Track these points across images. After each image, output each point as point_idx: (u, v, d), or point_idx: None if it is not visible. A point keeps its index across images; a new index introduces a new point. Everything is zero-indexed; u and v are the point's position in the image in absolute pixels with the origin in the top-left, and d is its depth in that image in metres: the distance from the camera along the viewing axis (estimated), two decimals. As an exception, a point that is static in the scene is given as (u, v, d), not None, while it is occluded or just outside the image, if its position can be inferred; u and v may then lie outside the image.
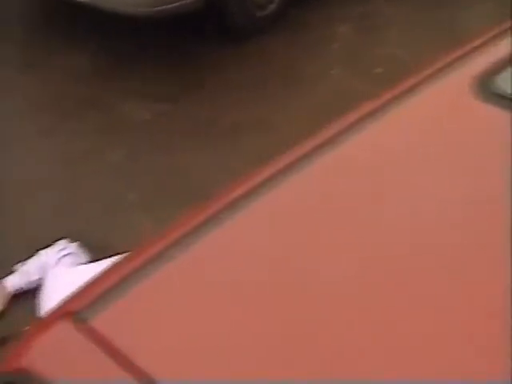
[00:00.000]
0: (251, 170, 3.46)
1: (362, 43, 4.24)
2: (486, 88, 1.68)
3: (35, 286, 3.01)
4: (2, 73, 4.05)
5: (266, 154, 3.46)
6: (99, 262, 2.87)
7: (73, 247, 3.02)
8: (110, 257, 2.73)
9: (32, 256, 3.10)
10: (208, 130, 3.78)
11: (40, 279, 2.99)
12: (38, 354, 1.42)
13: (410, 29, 4.34)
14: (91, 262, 2.98)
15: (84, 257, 3.02)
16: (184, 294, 1.46)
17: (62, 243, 3.05)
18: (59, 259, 2.97)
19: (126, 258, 1.63)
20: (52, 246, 3.06)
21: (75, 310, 1.46)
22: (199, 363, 1.33)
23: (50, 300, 2.75)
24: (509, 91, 1.70)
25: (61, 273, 2.89)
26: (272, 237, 1.51)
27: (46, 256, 3.01)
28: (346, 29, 4.36)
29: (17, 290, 2.98)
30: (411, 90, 1.75)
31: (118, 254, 2.69)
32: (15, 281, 2.99)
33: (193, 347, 1.36)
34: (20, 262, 3.08)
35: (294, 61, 4.15)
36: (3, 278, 3.02)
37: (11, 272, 3.04)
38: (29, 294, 3.02)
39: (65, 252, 2.99)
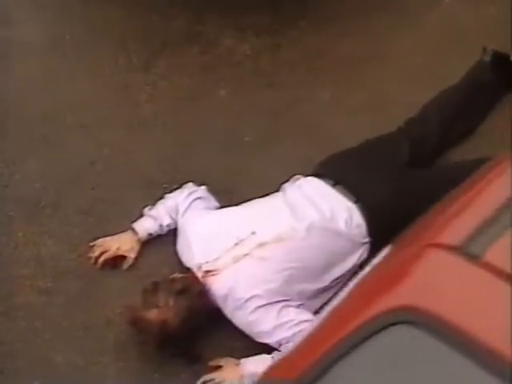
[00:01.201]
0: (372, 109, 3.58)
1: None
2: None
3: (167, 230, 3.08)
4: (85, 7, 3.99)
5: (387, 89, 3.63)
6: (233, 207, 2.96)
7: (202, 191, 3.10)
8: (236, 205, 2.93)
9: (155, 200, 3.17)
10: (317, 63, 3.80)
11: (171, 223, 3.07)
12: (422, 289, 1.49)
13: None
14: (223, 207, 3.04)
15: (214, 201, 3.09)
16: None
17: (189, 187, 3.13)
18: (190, 203, 3.05)
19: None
20: (180, 191, 3.15)
21: (451, 243, 1.54)
22: None
23: (191, 244, 2.84)
24: None
25: (196, 217, 3.00)
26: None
27: (175, 200, 3.10)
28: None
29: (149, 235, 3.06)
30: None
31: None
32: (146, 226, 3.09)
33: None
34: (146, 206, 3.13)
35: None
36: (132, 222, 3.08)
37: (137, 218, 3.10)
38: (162, 239, 3.12)
39: (194, 196, 3.08)
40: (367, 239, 2.86)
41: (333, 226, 2.83)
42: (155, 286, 2.74)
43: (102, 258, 3.05)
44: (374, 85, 3.65)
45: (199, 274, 2.78)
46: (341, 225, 2.84)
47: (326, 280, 2.80)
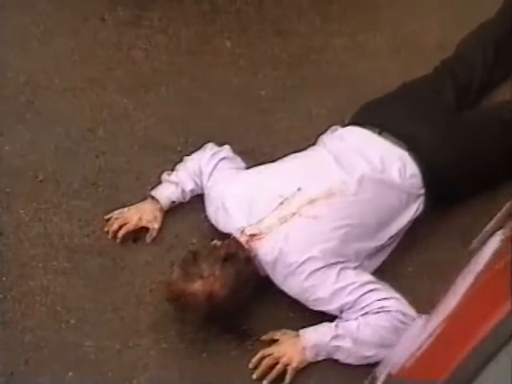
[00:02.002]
0: (395, 51, 3.50)
1: None
2: None
3: (190, 196, 2.95)
4: None
5: (407, 30, 3.53)
6: (269, 164, 2.85)
7: (226, 151, 2.97)
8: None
9: (171, 165, 3.03)
10: (326, 6, 3.70)
11: (195, 189, 2.95)
12: None
13: None
14: (250, 167, 2.92)
15: (240, 161, 2.96)
16: None
17: (210, 147, 3.00)
18: (216, 165, 2.93)
19: None
20: (201, 152, 3.05)
21: None
22: None
23: (229, 207, 2.76)
24: None
25: (228, 178, 2.91)
26: None
27: (198, 162, 2.97)
28: None
29: (172, 202, 2.93)
30: None
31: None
32: (168, 193, 2.98)
33: None
34: (163, 172, 2.98)
35: None
36: (151, 190, 2.93)
37: (154, 186, 3.02)
38: (184, 207, 3.01)
39: (219, 156, 2.96)
40: (422, 190, 2.76)
41: (386, 177, 2.73)
42: (196, 256, 2.59)
43: (122, 232, 2.90)
44: (392, 26, 3.58)
45: (242, 239, 2.65)
46: (394, 175, 2.74)
47: (383, 237, 2.70)
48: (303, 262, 2.57)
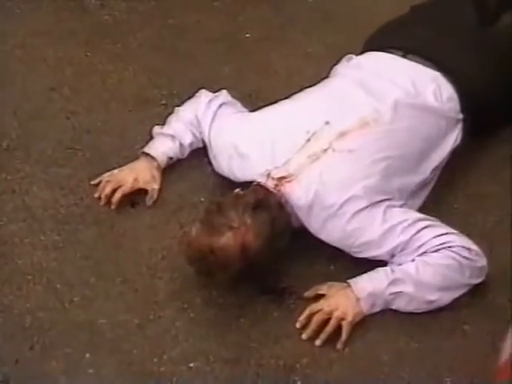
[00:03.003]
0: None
1: None
2: None
3: (189, 151, 2.87)
4: None
5: None
6: (284, 101, 2.78)
7: (224, 96, 2.91)
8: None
9: (156, 121, 2.96)
10: None
11: (194, 141, 2.87)
12: None
13: None
14: (253, 110, 2.85)
15: (241, 106, 2.90)
16: None
17: (205, 94, 2.92)
18: (216, 111, 2.86)
19: None
20: (195, 100, 2.98)
21: None
22: None
23: (246, 152, 2.67)
24: None
25: (236, 122, 2.84)
26: None
27: (194, 111, 2.91)
28: None
29: (169, 159, 2.83)
30: None
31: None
32: (164, 148, 2.90)
33: None
34: (155, 125, 2.88)
35: None
36: (140, 150, 2.85)
37: (141, 146, 2.90)
38: (182, 164, 2.92)
39: (217, 102, 2.89)
40: (461, 116, 2.73)
41: (421, 101, 2.69)
42: (220, 205, 2.47)
43: (117, 195, 2.76)
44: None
45: (270, 184, 2.54)
46: (430, 99, 2.70)
47: (426, 170, 2.65)
48: (344, 203, 2.48)
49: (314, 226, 2.54)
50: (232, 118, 2.84)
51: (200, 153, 2.91)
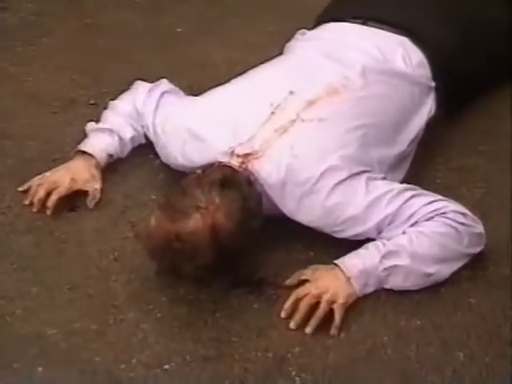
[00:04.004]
0: None
1: None
2: None
3: (130, 148, 2.88)
4: None
5: None
6: (237, 79, 2.83)
7: (164, 85, 2.95)
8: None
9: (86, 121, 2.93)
10: None
11: (136, 136, 2.88)
12: None
13: None
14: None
15: (183, 93, 2.92)
16: None
17: (142, 85, 2.94)
18: (158, 100, 2.87)
19: None
20: (132, 91, 3.01)
21: None
22: None
23: (202, 134, 2.65)
24: None
25: (185, 106, 2.83)
26: None
27: (132, 103, 2.93)
28: None
29: (109, 156, 2.84)
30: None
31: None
32: (102, 144, 2.89)
33: None
34: (90, 121, 2.91)
35: None
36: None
37: (81, 139, 2.86)
38: (123, 163, 2.91)
39: (158, 91, 2.91)
40: (433, 83, 2.79)
41: (390, 67, 2.76)
42: (182, 187, 2.44)
43: (53, 198, 2.70)
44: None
45: (235, 163, 2.52)
46: (399, 64, 2.77)
47: (404, 141, 2.69)
48: (321, 175, 2.48)
49: (289, 205, 2.53)
50: (179, 103, 2.83)
51: (143, 150, 2.90)
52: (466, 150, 2.89)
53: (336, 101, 2.61)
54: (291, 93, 2.61)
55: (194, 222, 2.36)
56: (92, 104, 3.09)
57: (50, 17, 3.49)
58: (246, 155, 2.53)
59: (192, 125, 2.67)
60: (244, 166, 2.52)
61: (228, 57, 3.23)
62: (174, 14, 3.51)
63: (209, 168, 2.53)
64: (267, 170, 2.52)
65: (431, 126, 2.81)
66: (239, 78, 2.81)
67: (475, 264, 2.50)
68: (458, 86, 2.85)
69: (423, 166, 2.79)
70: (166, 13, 3.53)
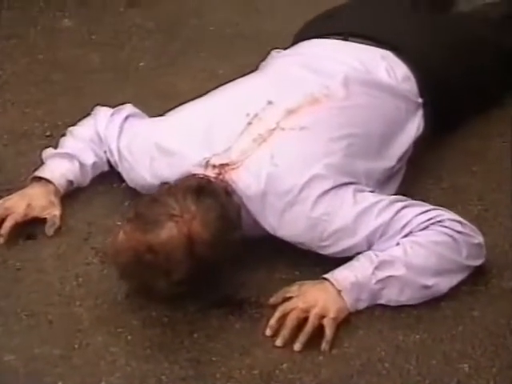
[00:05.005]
0: None
1: None
2: None
3: (91, 177, 2.96)
4: None
5: None
6: (210, 94, 2.92)
7: (129, 108, 3.05)
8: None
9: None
10: None
11: (98, 163, 2.92)
12: None
13: None
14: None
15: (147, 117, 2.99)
16: None
17: (103, 109, 3.03)
18: (121, 125, 2.94)
19: None
20: (91, 117, 3.04)
21: None
22: None
23: (172, 147, 2.71)
24: None
25: (153, 125, 2.90)
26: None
27: (94, 128, 2.99)
28: None
29: (69, 183, 2.90)
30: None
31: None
32: (61, 170, 2.91)
33: None
34: (43, 148, 2.95)
35: None
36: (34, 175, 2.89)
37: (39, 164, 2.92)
38: (85, 191, 2.95)
39: (122, 115, 2.98)
40: (420, 100, 2.88)
41: (373, 78, 2.85)
42: (154, 197, 2.48)
43: (8, 225, 2.73)
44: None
45: (210, 174, 2.56)
46: (382, 75, 2.87)
47: (392, 157, 2.76)
48: (306, 184, 2.52)
49: (271, 219, 2.56)
50: (145, 123, 2.90)
51: (105, 178, 2.94)
52: (456, 170, 2.97)
53: (318, 109, 2.68)
54: (269, 102, 2.68)
55: (168, 232, 2.38)
56: (48, 136, 3.14)
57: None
58: (223, 165, 2.58)
59: (160, 140, 2.72)
60: (221, 177, 2.57)
61: (194, 88, 3.27)
62: (134, 50, 3.61)
63: (181, 179, 2.57)
64: (246, 181, 2.56)
65: (420, 146, 2.89)
66: (211, 93, 2.88)
67: (476, 279, 2.54)
68: (446, 102, 2.93)
69: (414, 186, 2.85)
70: (126, 48, 3.63)
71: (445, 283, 2.49)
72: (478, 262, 2.55)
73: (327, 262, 2.55)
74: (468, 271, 2.53)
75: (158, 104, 3.21)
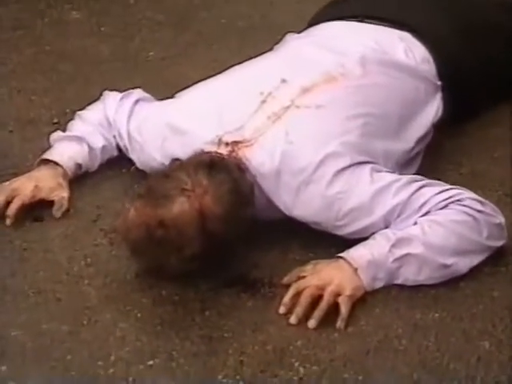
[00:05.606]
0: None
1: None
2: None
3: (100, 161, 3.05)
4: None
5: None
6: (224, 73, 3.02)
7: (137, 93, 3.13)
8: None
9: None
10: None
11: (107, 146, 3.00)
12: None
13: None
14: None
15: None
16: None
17: (112, 94, 3.11)
18: (131, 109, 2.98)
19: None
20: (101, 101, 3.13)
21: None
22: None
23: (184, 126, 2.79)
24: None
25: (158, 108, 3.00)
26: None
27: (103, 112, 3.04)
28: None
29: (77, 166, 2.99)
30: None
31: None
32: (70, 153, 3.00)
33: None
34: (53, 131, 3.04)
35: None
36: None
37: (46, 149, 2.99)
38: (92, 177, 3.04)
39: (132, 99, 3.06)
40: (440, 82, 2.95)
41: (390, 58, 2.94)
42: (165, 172, 2.55)
43: (14, 206, 2.80)
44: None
45: (223, 151, 2.63)
46: (400, 55, 2.95)
47: (410, 139, 2.83)
48: (321, 162, 2.59)
49: (285, 198, 2.62)
50: (155, 105, 2.99)
51: (114, 163, 3.02)
52: (477, 157, 3.06)
53: (334, 88, 2.76)
54: (283, 81, 2.76)
55: (179, 206, 2.45)
56: (55, 123, 3.23)
57: (2, 44, 3.66)
58: (236, 143, 2.65)
59: (171, 119, 2.81)
60: (234, 154, 2.64)
61: (207, 75, 3.37)
62: (144, 41, 3.73)
63: (193, 155, 2.65)
64: (260, 159, 2.63)
65: (440, 134, 2.97)
66: (223, 73, 2.96)
67: (496, 261, 2.61)
68: (463, 87, 3.02)
69: (432, 171, 2.91)
70: (136, 40, 3.74)
71: (464, 263, 2.55)
72: (499, 243, 2.61)
73: (342, 243, 2.61)
74: (488, 252, 2.59)
75: (166, 93, 3.26)
